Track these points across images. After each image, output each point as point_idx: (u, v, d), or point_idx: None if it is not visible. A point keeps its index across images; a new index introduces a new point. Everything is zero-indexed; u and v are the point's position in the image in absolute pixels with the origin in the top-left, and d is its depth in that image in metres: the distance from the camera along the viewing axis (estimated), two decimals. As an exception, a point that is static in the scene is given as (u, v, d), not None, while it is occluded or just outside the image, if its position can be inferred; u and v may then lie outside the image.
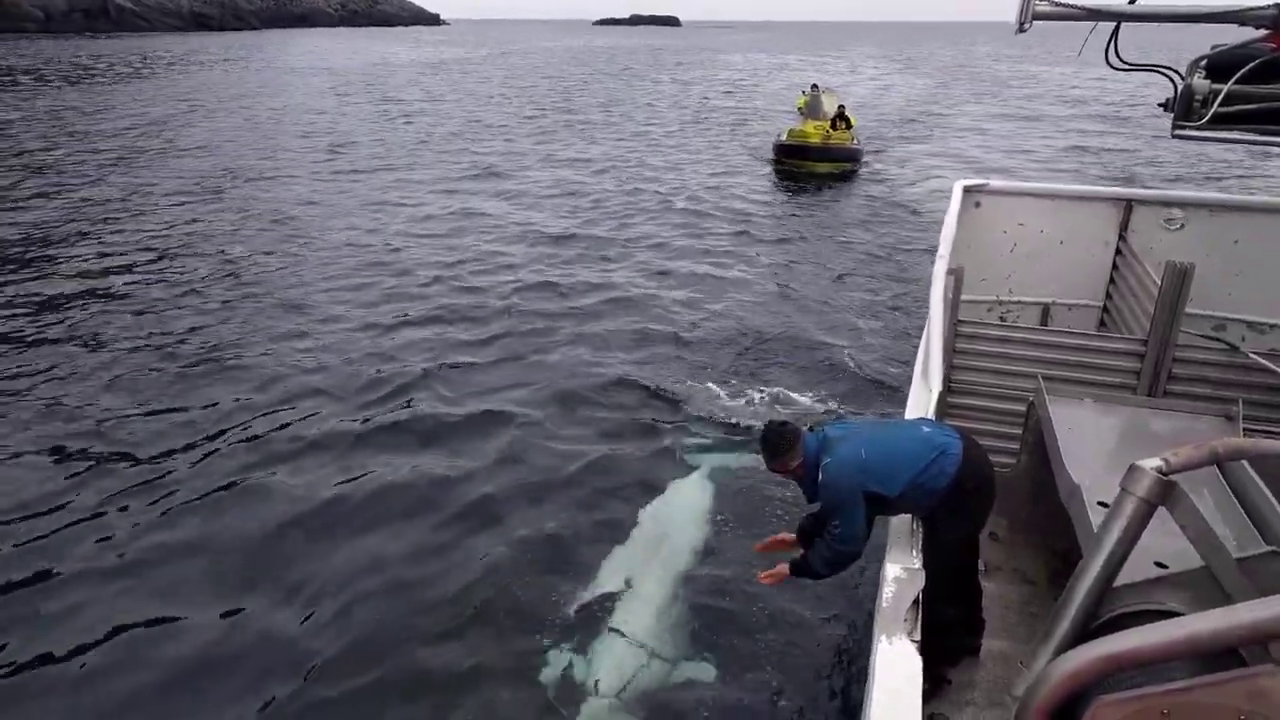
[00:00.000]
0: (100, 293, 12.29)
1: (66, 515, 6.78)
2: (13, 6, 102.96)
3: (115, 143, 26.39)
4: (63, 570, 6.13)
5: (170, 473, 7.40)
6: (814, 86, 25.59)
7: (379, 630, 5.52)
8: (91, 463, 7.58)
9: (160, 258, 14.04)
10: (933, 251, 5.68)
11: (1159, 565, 3.19)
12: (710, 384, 9.29)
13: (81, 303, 11.86)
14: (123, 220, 16.62)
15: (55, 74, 51.35)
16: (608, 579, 5.83)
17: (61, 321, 11.09)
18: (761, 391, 9.09)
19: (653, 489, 7.10)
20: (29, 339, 10.49)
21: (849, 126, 23.43)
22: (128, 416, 8.45)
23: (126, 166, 22.45)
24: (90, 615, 5.70)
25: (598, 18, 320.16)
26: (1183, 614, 2.86)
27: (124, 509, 6.89)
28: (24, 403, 8.73)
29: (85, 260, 13.93)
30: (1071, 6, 4.15)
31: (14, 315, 11.27)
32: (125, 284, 12.67)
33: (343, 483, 7.28)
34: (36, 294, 12.19)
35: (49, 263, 13.82)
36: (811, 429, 4.02)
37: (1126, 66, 4.66)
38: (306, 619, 5.65)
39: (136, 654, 5.38)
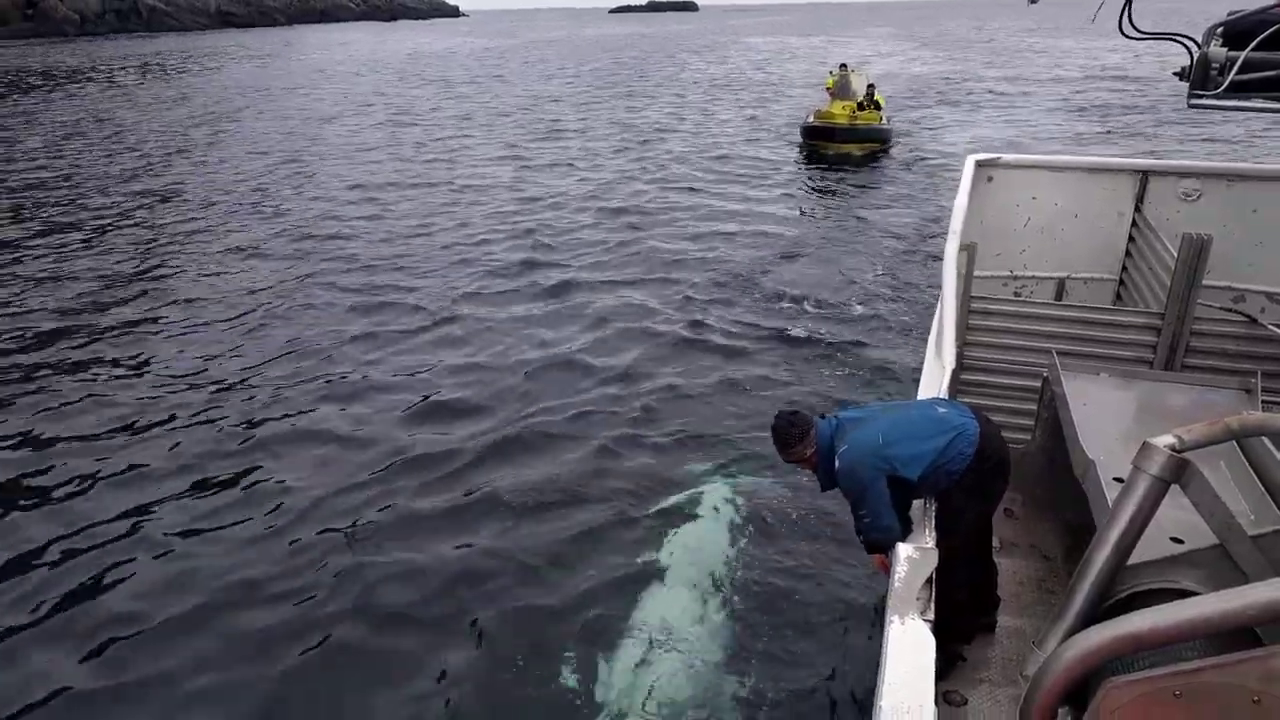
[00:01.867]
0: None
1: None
2: (52, 10, 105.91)
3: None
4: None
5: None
6: (843, 66, 24.78)
7: (410, 632, 5.47)
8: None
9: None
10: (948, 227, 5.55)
11: (1175, 540, 3.10)
12: (728, 368, 9.19)
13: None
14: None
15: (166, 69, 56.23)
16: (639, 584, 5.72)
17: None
18: (777, 373, 8.99)
19: (663, 485, 7.01)
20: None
21: (878, 107, 22.74)
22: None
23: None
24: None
25: (613, 5, 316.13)
26: (1197, 592, 2.78)
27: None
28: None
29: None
30: None
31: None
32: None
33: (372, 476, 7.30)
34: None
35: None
36: (824, 415, 3.93)
37: (1140, 35, 4.48)
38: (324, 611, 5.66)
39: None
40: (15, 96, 40.94)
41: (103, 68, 56.87)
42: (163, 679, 5.07)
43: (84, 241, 14.94)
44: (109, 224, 16.29)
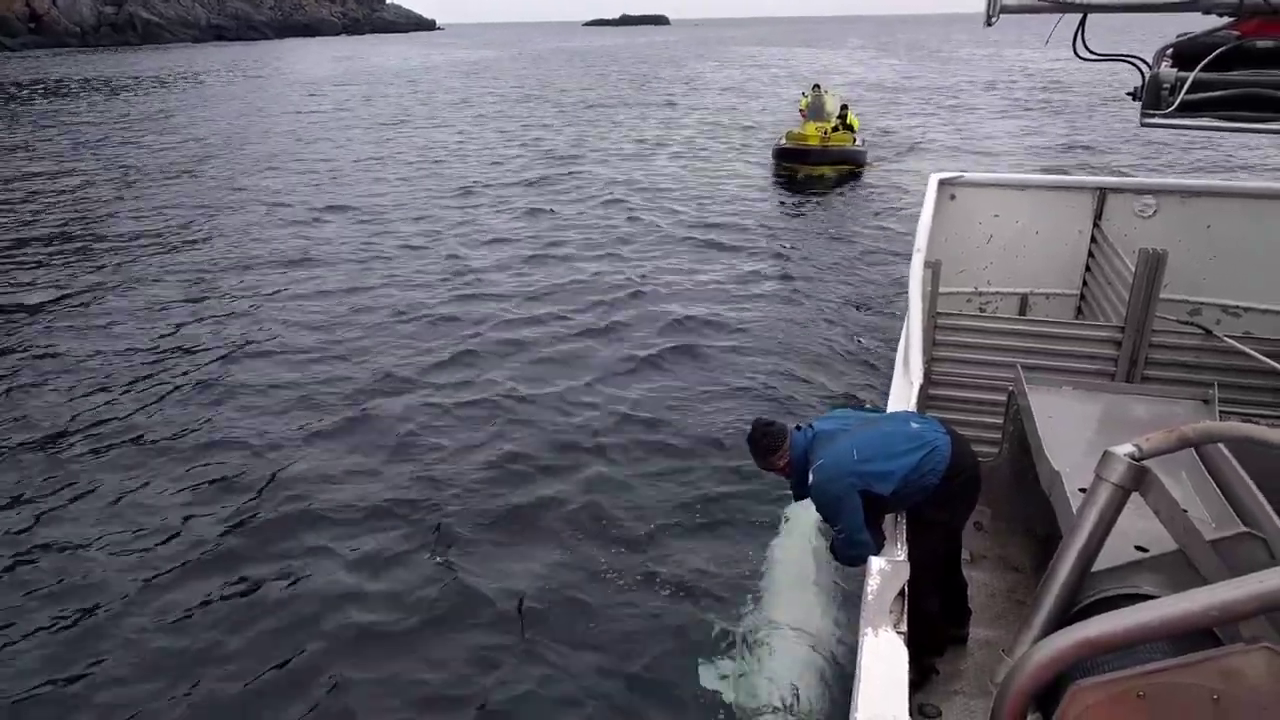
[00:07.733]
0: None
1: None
2: (53, 23, 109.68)
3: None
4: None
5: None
6: (816, 87, 24.10)
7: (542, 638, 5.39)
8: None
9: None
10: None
11: (1139, 549, 3.15)
12: (698, 389, 9.00)
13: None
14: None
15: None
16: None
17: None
18: (749, 391, 8.86)
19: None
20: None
21: (851, 129, 22.20)
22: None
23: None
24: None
25: (587, 19, 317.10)
26: (1158, 597, 2.83)
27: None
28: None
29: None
30: None
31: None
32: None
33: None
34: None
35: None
36: (799, 426, 3.92)
37: (1094, 56, 4.52)
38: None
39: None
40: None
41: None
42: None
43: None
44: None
